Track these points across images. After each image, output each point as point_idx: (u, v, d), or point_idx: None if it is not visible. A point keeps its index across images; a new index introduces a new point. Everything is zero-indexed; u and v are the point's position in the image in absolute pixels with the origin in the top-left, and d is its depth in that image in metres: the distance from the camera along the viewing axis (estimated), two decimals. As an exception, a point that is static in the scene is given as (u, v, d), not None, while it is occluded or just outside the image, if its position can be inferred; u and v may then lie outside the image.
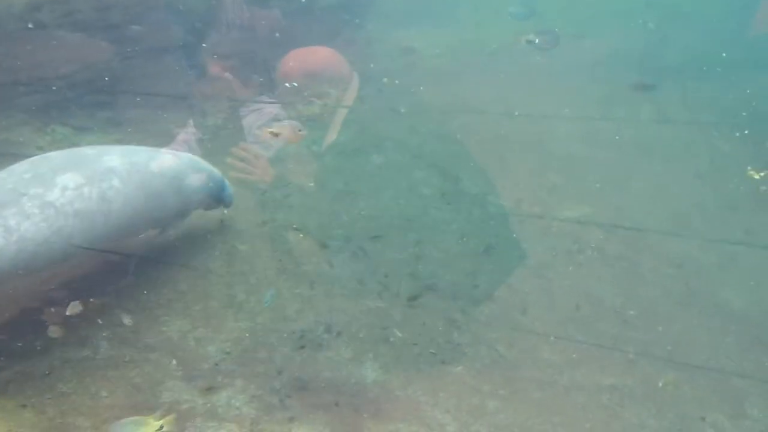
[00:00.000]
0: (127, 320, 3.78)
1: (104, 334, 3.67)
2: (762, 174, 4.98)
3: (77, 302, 3.63)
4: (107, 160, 3.73)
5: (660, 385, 3.67)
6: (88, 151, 3.86)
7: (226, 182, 4.57)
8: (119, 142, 4.89)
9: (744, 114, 6.34)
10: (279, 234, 4.66)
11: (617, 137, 6.15)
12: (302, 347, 3.76)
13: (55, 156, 3.73)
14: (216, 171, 4.51)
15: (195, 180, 4.24)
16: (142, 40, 5.84)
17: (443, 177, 5.52)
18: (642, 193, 5.56)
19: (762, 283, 4.59)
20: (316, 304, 4.11)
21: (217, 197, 4.50)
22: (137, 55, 5.87)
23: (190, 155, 4.48)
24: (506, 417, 3.41)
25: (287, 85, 5.80)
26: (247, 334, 3.82)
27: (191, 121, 5.47)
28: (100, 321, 3.76)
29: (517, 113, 6.61)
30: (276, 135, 4.24)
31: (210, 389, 3.39)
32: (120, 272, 4.16)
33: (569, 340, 4.02)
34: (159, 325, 3.80)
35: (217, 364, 3.57)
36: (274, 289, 3.91)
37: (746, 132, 6.13)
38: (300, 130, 4.32)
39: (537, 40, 4.69)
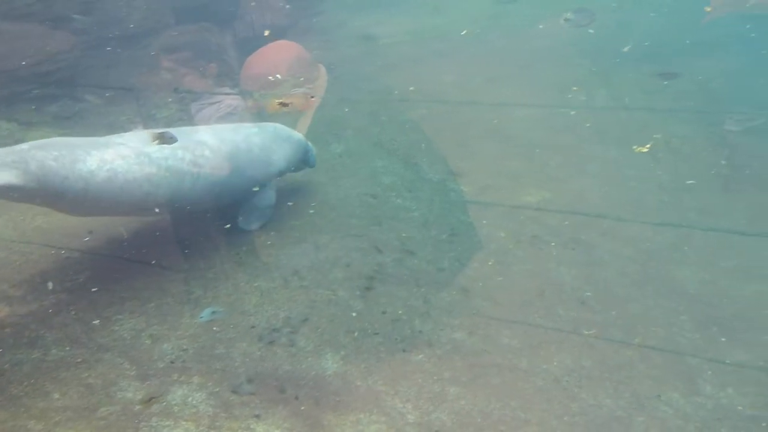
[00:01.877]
0: (78, 319, 3.71)
1: (55, 335, 3.59)
2: (647, 147, 5.11)
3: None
4: (201, 134, 4.32)
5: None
6: (185, 128, 4.43)
7: (310, 145, 4.98)
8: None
9: (697, 97, 6.45)
10: (236, 225, 4.60)
11: (574, 123, 6.20)
12: (261, 341, 3.73)
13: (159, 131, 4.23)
14: (300, 136, 4.90)
15: (281, 149, 4.69)
16: (89, 31, 5.68)
17: (404, 165, 5.52)
18: (599, 177, 5.62)
19: (715, 263, 4.67)
20: (275, 296, 4.07)
21: (303, 160, 4.96)
22: (85, 46, 5.70)
23: (274, 126, 4.83)
24: (467, 403, 3.43)
25: (270, 78, 5.76)
26: (204, 330, 3.77)
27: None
28: (50, 321, 3.67)
29: (477, 100, 6.63)
30: (285, 105, 4.16)
31: (165, 387, 3.34)
32: (72, 269, 4.08)
33: (529, 324, 4.05)
34: (112, 324, 3.73)
35: (172, 362, 3.52)
36: (214, 308, 3.83)
37: (700, 114, 6.23)
38: (312, 97, 4.26)
39: (573, 18, 4.91)
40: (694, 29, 7.45)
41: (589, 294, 4.32)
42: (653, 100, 6.56)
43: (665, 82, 5.59)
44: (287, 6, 6.79)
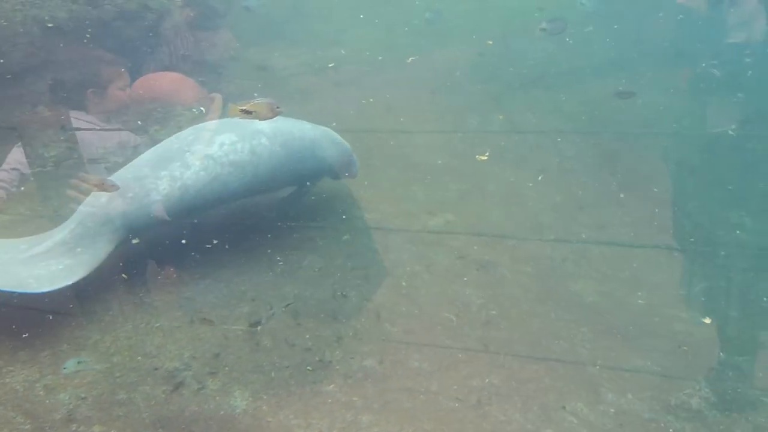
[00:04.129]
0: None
1: (-65, 393, 3.32)
2: (486, 156, 5.42)
3: None
4: (257, 124, 4.50)
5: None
6: (240, 120, 4.45)
7: (354, 156, 5.30)
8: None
9: (584, 118, 6.81)
10: (135, 264, 4.43)
11: (472, 147, 6.40)
12: (166, 383, 3.58)
13: (213, 123, 4.64)
14: (347, 144, 5.23)
15: (328, 148, 5.02)
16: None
17: (308, 195, 5.50)
18: (499, 198, 5.80)
19: (610, 275, 4.91)
20: (178, 336, 3.94)
21: (345, 167, 5.25)
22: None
23: (325, 128, 5.15)
24: (380, 430, 3.41)
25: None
26: (104, 377, 3.59)
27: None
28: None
29: (377, 128, 6.72)
30: (249, 113, 4.06)
31: (62, 440, 3.15)
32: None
33: (438, 346, 4.09)
34: (2, 377, 3.48)
35: (70, 413, 3.32)
36: (79, 358, 3.63)
37: (587, 135, 6.58)
38: (278, 107, 4.21)
39: (548, 27, 5.24)
40: (580, 54, 7.87)
41: (494, 312, 4.43)
42: (544, 122, 6.88)
43: (624, 100, 5.86)
44: (190, 35, 6.69)
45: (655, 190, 5.87)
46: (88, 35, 5.73)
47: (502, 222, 5.48)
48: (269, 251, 4.74)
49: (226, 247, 4.69)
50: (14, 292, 3.66)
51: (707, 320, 4.58)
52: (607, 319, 4.44)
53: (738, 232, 5.45)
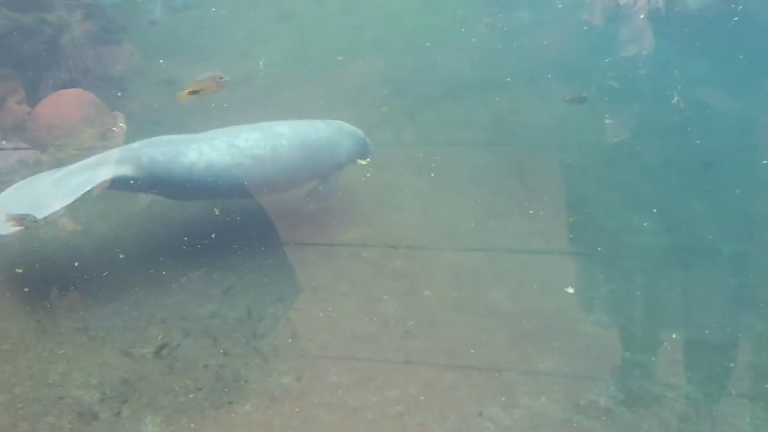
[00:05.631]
0: None
1: None
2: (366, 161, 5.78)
3: None
4: (278, 127, 5.08)
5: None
6: (262, 123, 5.13)
7: (367, 139, 5.71)
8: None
9: (493, 130, 6.99)
10: (37, 290, 4.21)
11: (385, 160, 6.44)
12: (71, 413, 3.40)
13: (241, 126, 5.05)
14: (359, 131, 5.66)
15: (344, 142, 5.49)
16: None
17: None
18: (413, 209, 5.86)
19: (522, 282, 5.03)
20: (84, 362, 3.76)
21: (361, 153, 5.70)
22: None
23: (339, 122, 5.59)
24: (299, 448, 3.36)
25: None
26: (4, 408, 3.37)
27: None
28: None
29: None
30: (197, 92, 3.94)
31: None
32: None
33: (357, 359, 4.08)
34: None
35: (-37, 450, 3.10)
36: None
37: (498, 146, 6.76)
38: (221, 78, 4.14)
39: (490, 21, 5.40)
40: (487, 67, 8.10)
41: (412, 323, 4.46)
42: (456, 134, 7.02)
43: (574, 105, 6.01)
44: (91, 50, 6.44)
45: (562, 197, 6.09)
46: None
47: (417, 233, 5.53)
48: (180, 270, 4.60)
49: (134, 267, 4.52)
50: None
51: (570, 290, 4.89)
52: (521, 324, 4.55)
53: (640, 236, 5.74)
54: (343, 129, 5.59)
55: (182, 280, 4.56)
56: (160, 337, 4.01)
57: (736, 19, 5.64)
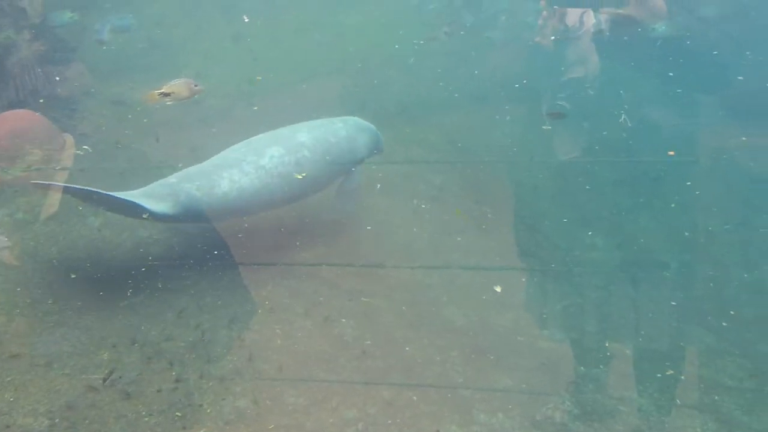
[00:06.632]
0: None
1: None
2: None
3: None
4: (299, 137, 5.22)
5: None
6: (284, 131, 5.31)
7: (379, 133, 5.87)
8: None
9: (447, 148, 7.07)
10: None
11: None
12: (16, 443, 3.29)
13: (263, 136, 5.25)
14: (372, 126, 5.80)
15: (361, 138, 5.64)
16: None
17: (173, 233, 5.31)
18: (370, 228, 5.87)
19: (477, 299, 5.07)
20: (32, 389, 3.64)
21: (377, 146, 5.86)
22: None
23: (354, 119, 5.76)
24: (255, 472, 3.31)
25: (80, 152, 5.31)
26: (-59, 442, 3.24)
27: None
28: None
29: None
30: (167, 95, 3.83)
31: None
32: None
33: (314, 381, 4.05)
34: None
35: None
36: None
37: (452, 164, 6.84)
38: (196, 86, 4.05)
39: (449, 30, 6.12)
40: (441, 87, 8.20)
41: (369, 342, 4.45)
42: (412, 153, 7.06)
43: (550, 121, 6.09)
44: (39, 70, 6.31)
45: (516, 215, 6.18)
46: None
47: (374, 251, 5.54)
48: (132, 293, 4.51)
49: (84, 291, 4.42)
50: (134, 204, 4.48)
51: (498, 288, 5.05)
52: (477, 341, 4.58)
53: (592, 252, 5.87)
54: (359, 124, 5.75)
55: (134, 303, 4.46)
56: (110, 362, 3.91)
57: (659, 43, 5.89)
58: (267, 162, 4.98)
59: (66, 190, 4.82)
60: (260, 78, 7.47)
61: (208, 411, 3.67)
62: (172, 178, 4.84)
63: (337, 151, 5.40)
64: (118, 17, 6.94)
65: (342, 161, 5.45)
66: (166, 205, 4.63)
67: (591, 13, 5.99)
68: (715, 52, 6.13)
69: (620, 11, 5.94)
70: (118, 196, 4.51)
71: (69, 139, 5.61)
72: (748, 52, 6.15)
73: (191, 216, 4.81)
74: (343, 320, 4.63)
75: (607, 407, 4.11)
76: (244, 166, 4.94)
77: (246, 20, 8.39)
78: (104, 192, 4.45)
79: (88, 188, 4.48)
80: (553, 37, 6.24)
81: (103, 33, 6.45)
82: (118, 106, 6.73)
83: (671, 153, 6.00)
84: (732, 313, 5.10)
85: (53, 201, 5.17)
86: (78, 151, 5.64)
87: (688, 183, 6.20)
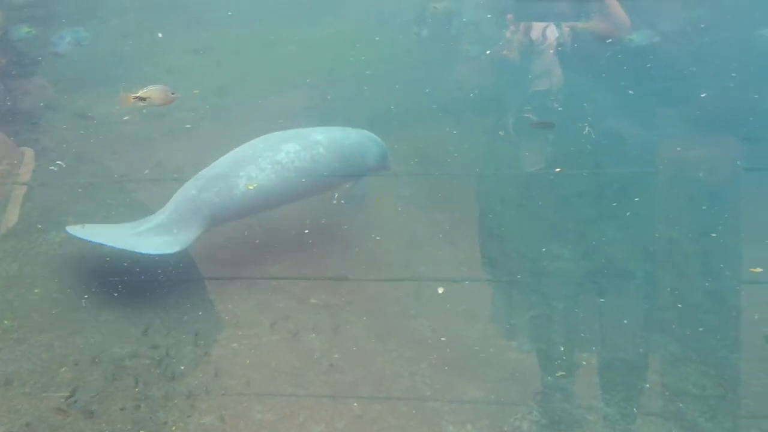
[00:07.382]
0: None
1: None
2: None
3: None
4: (315, 135, 5.38)
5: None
6: (301, 130, 5.44)
7: (386, 150, 6.04)
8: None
9: (415, 161, 7.10)
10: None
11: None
12: (-28, 466, 3.19)
13: (280, 133, 5.35)
14: (381, 141, 5.98)
15: (373, 149, 5.86)
16: None
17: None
18: (337, 241, 5.86)
19: (446, 310, 5.08)
20: (-11, 411, 3.54)
21: (383, 164, 6.04)
22: None
23: (365, 131, 5.92)
24: (221, 490, 3.26)
25: (53, 168, 5.20)
26: None
27: None
28: None
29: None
30: (143, 100, 3.75)
31: None
32: None
33: (281, 395, 4.01)
34: None
35: None
36: None
37: (419, 176, 6.86)
38: (173, 93, 3.97)
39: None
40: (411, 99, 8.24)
41: (337, 356, 4.43)
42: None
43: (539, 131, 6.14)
44: (1, 85, 6.19)
45: (484, 226, 6.22)
46: None
47: (341, 264, 5.52)
48: (95, 310, 4.43)
49: (45, 307, 4.32)
50: (149, 254, 4.53)
51: (441, 290, 5.15)
52: (446, 353, 4.58)
53: (558, 262, 5.92)
54: (371, 137, 5.94)
55: (97, 319, 4.38)
56: (73, 380, 3.83)
57: (619, 56, 6.04)
58: (283, 157, 5.10)
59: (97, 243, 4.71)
60: (197, 91, 7.44)
61: (173, 429, 3.61)
62: (192, 190, 4.91)
63: (350, 152, 5.60)
64: (72, 30, 6.86)
65: (354, 164, 5.62)
66: (195, 230, 4.81)
67: (554, 27, 6.09)
68: (676, 66, 6.27)
69: (585, 25, 6.05)
70: (154, 252, 4.58)
71: (29, 152, 5.51)
72: (708, 67, 6.30)
73: (216, 222, 4.99)
74: (312, 334, 4.60)
75: (574, 416, 4.14)
76: (261, 162, 5.06)
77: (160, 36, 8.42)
78: (142, 251, 4.53)
79: (124, 247, 4.55)
80: (518, 51, 6.32)
81: (60, 46, 6.37)
82: (81, 119, 6.63)
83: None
84: (694, 321, 5.19)
85: (12, 216, 5.07)
86: (51, 167, 5.57)
87: (650, 193, 6.31)
